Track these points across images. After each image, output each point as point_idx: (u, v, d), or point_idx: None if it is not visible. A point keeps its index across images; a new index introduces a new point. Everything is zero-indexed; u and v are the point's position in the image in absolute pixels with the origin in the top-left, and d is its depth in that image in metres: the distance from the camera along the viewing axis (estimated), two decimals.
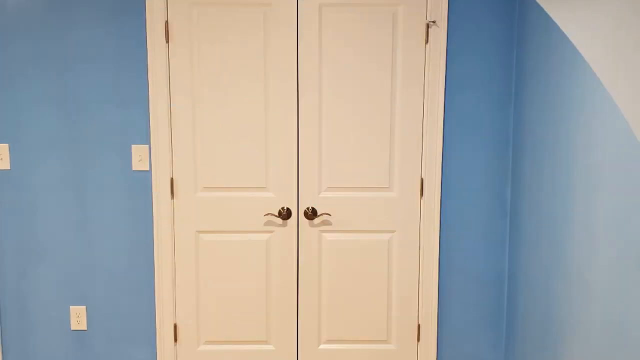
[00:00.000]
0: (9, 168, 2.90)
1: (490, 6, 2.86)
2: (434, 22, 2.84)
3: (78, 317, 3.00)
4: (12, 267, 2.96)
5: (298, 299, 3.03)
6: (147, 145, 2.90)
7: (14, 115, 2.86)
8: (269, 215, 2.95)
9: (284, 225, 2.97)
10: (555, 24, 2.41)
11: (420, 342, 3.06)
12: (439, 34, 2.85)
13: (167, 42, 2.84)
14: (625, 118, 1.88)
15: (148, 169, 2.91)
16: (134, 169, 2.91)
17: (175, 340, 3.04)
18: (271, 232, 2.98)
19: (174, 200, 2.94)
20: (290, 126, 2.90)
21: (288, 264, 3.00)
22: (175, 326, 3.03)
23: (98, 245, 2.96)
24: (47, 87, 2.85)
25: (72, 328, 3.01)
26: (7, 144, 2.88)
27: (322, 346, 3.07)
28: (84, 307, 3.00)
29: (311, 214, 2.94)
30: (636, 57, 1.61)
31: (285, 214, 2.94)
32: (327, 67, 2.87)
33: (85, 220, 2.94)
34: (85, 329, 3.02)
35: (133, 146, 2.89)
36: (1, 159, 2.89)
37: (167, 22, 2.82)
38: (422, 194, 2.95)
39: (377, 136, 2.92)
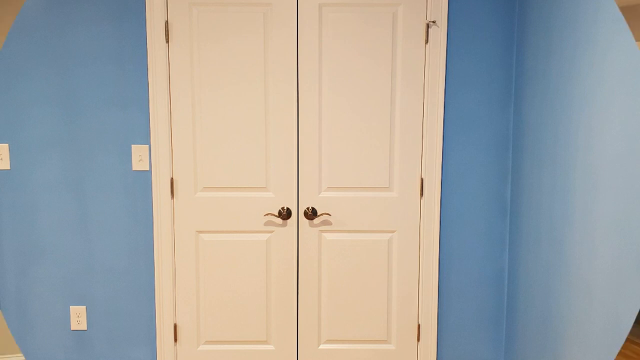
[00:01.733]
0: (9, 168, 2.90)
1: (490, 6, 2.86)
2: (434, 22, 2.84)
3: (78, 317, 3.00)
4: (12, 267, 2.97)
5: (298, 299, 3.03)
6: (147, 145, 2.90)
7: (14, 115, 2.87)
8: (269, 215, 2.95)
9: (284, 225, 2.97)
10: (555, 24, 2.42)
11: (420, 342, 3.07)
12: (439, 34, 2.85)
13: (167, 42, 2.84)
14: (625, 116, 1.88)
15: (148, 169, 2.91)
16: (134, 169, 2.91)
17: (175, 340, 3.04)
18: (271, 232, 2.98)
19: (174, 200, 2.95)
20: (290, 126, 2.90)
21: (288, 264, 3.00)
22: (175, 326, 3.03)
23: (98, 245, 2.96)
24: (47, 87, 2.85)
25: (72, 328, 3.01)
26: (7, 144, 2.88)
27: (322, 346, 3.07)
28: (84, 307, 3.00)
29: (311, 213, 2.94)
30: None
31: (285, 214, 2.94)
32: (327, 67, 2.87)
33: (85, 220, 2.94)
34: (85, 329, 3.02)
35: (133, 146, 2.90)
36: (1, 159, 2.89)
37: (167, 22, 2.82)
38: (422, 194, 2.96)
39: (377, 136, 2.92)
